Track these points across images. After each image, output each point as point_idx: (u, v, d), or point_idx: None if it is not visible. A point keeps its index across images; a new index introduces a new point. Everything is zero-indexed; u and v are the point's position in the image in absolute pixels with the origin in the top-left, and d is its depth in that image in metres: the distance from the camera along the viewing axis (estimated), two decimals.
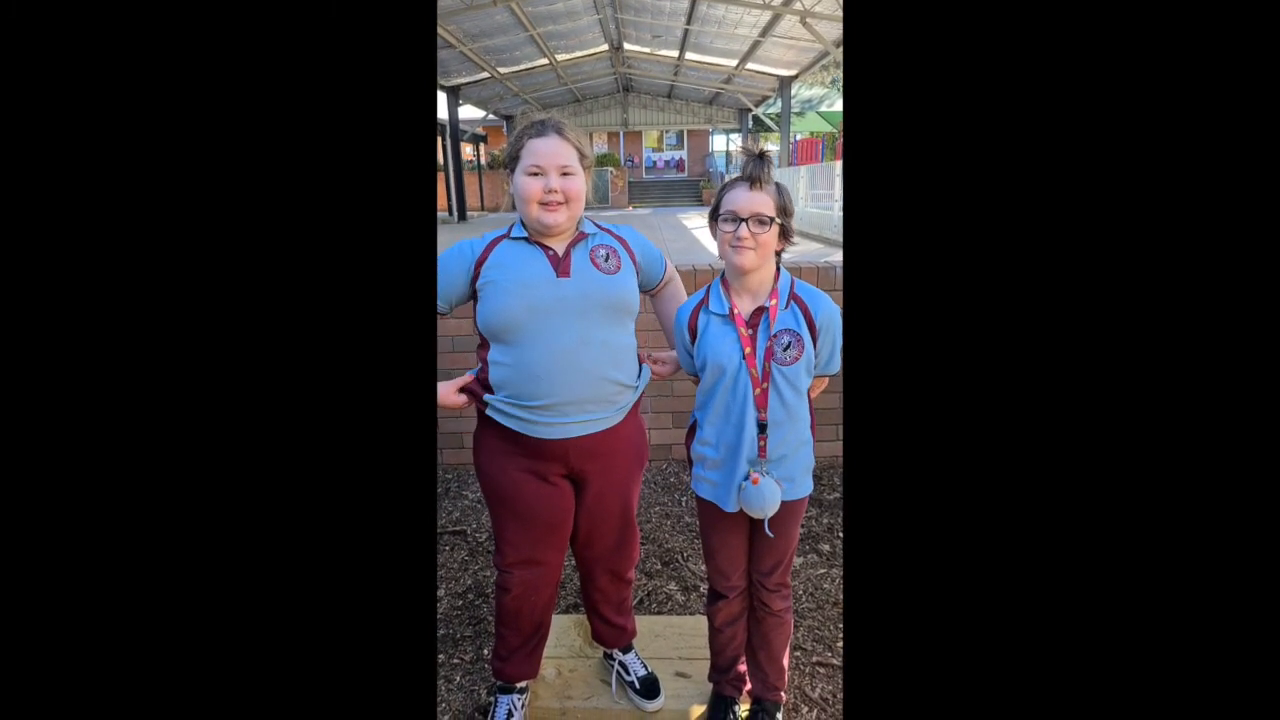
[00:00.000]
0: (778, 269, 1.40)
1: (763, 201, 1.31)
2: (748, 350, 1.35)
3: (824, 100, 18.74)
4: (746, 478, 1.37)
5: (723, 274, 1.43)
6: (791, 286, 1.40)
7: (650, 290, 1.61)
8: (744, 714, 1.61)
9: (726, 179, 1.40)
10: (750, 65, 15.45)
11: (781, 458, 1.39)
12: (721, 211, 1.34)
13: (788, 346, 1.35)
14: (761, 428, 1.37)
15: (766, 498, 1.35)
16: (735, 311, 1.37)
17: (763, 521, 1.41)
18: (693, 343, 1.44)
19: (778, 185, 1.34)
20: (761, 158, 1.33)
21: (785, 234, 1.36)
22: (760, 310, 1.37)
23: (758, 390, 1.35)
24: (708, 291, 1.43)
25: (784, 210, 1.34)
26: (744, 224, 1.30)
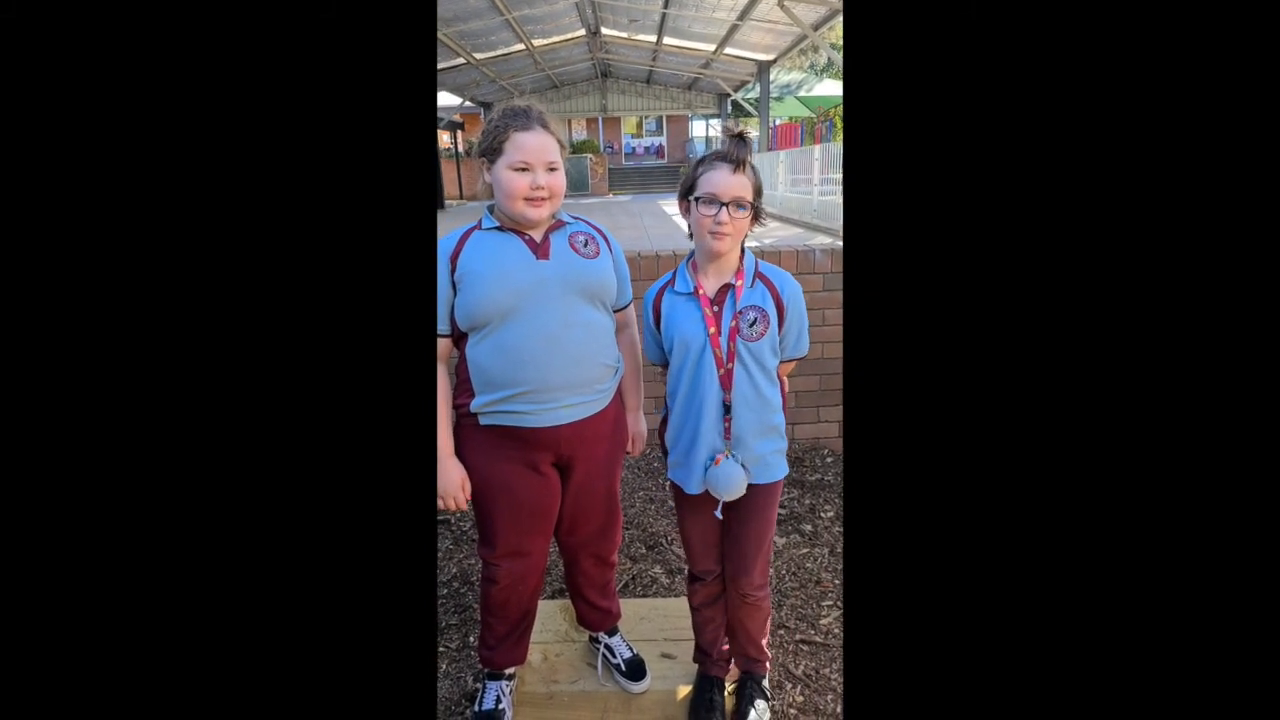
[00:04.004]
0: (742, 249, 1.40)
1: (742, 184, 1.30)
2: (712, 329, 1.34)
3: (802, 85, 18.71)
4: (711, 459, 1.37)
5: (690, 254, 1.42)
6: (756, 266, 1.40)
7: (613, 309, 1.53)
8: (730, 691, 1.64)
9: (699, 157, 1.39)
10: (728, 50, 15.33)
11: (747, 440, 1.38)
12: (700, 193, 1.32)
13: (754, 322, 1.34)
14: (726, 409, 1.36)
15: (730, 480, 1.35)
16: (700, 290, 1.37)
17: (728, 503, 1.40)
18: (658, 327, 1.44)
19: (752, 166, 1.33)
20: (742, 138, 1.32)
21: (757, 216, 1.36)
22: (726, 288, 1.36)
23: (722, 370, 1.35)
24: (674, 274, 1.42)
25: (758, 192, 1.34)
26: (725, 208, 1.29)
